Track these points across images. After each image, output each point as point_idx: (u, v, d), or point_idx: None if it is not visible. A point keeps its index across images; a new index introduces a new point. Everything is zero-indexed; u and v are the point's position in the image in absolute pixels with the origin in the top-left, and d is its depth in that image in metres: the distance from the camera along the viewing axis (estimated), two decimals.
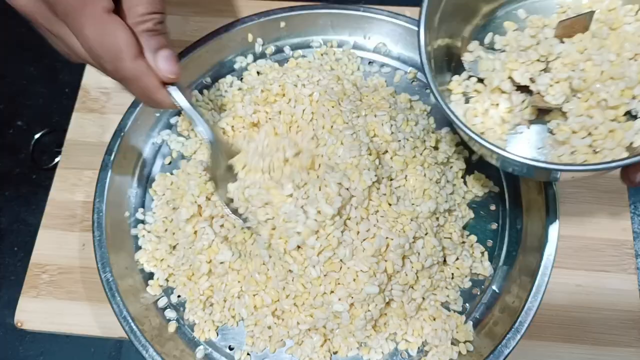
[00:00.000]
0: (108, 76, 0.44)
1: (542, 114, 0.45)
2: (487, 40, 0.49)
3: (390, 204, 0.49)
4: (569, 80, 0.43)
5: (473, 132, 0.40)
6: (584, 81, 0.42)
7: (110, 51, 0.41)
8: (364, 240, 0.47)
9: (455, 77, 0.48)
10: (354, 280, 0.47)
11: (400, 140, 0.52)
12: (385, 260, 0.47)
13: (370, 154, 0.49)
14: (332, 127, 0.51)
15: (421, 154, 0.52)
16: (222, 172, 0.51)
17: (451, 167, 0.55)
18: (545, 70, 0.44)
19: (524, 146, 0.45)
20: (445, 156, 0.54)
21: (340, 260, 0.47)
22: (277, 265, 0.49)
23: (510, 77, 0.45)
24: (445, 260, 0.51)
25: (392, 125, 0.52)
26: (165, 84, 0.44)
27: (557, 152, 0.43)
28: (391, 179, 0.51)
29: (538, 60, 0.44)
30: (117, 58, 0.41)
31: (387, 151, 0.51)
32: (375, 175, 0.48)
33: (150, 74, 0.43)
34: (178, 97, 0.45)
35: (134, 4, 0.42)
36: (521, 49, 0.45)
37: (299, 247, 0.47)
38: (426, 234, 0.49)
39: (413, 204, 0.50)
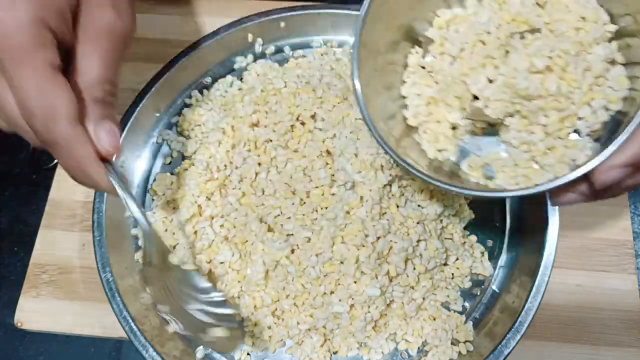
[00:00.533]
0: (33, 142, 0.39)
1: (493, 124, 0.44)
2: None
3: (398, 206, 0.49)
4: (510, 100, 0.40)
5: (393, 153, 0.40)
6: (525, 102, 0.40)
7: (47, 109, 0.36)
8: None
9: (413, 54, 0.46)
10: (355, 282, 0.47)
11: None
12: (388, 263, 0.47)
13: (385, 154, 0.49)
14: (342, 119, 0.51)
15: None
16: (155, 264, 0.46)
17: None
18: (491, 81, 0.41)
19: (473, 157, 0.44)
20: None
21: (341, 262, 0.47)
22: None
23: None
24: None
25: None
26: (102, 159, 0.39)
27: (504, 165, 0.42)
28: (401, 179, 0.51)
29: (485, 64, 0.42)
30: (52, 118, 0.36)
31: None
32: (390, 175, 0.48)
33: (86, 143, 0.38)
34: (114, 177, 0.41)
35: (87, 68, 0.38)
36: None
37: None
38: (430, 236, 0.49)
39: (419, 206, 0.50)
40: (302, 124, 0.53)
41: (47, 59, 0.36)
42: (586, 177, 0.36)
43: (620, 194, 0.39)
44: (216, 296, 0.46)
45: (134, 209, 0.43)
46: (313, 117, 0.53)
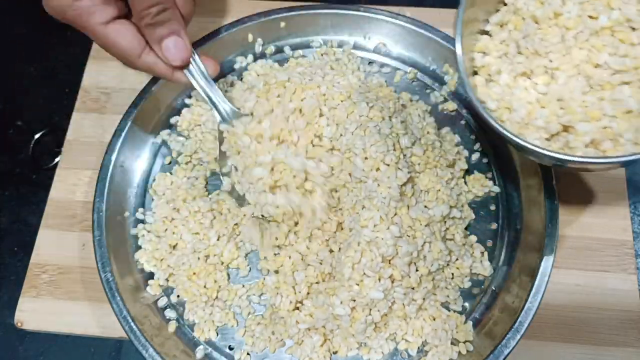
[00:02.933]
0: None
1: None
2: None
3: (409, 207, 0.49)
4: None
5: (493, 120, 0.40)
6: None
7: (118, 55, 0.47)
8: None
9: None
10: (358, 284, 0.47)
11: (414, 141, 0.52)
12: (392, 266, 0.47)
13: (394, 150, 0.49)
14: (347, 116, 0.52)
15: (432, 152, 0.53)
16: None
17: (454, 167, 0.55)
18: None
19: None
20: (452, 157, 0.54)
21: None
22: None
23: None
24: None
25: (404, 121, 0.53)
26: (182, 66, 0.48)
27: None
28: (413, 179, 0.51)
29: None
30: (125, 60, 0.48)
31: (405, 148, 0.51)
32: (409, 173, 0.48)
33: (159, 63, 0.48)
34: (191, 79, 0.50)
35: (134, 2, 0.45)
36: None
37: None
38: (435, 239, 0.49)
39: (426, 207, 0.50)
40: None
41: (107, 14, 0.45)
42: None
43: None
44: None
45: (214, 99, 0.52)
46: (321, 114, 0.53)
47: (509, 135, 0.40)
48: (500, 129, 0.41)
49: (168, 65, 0.48)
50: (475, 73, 0.46)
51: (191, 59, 0.49)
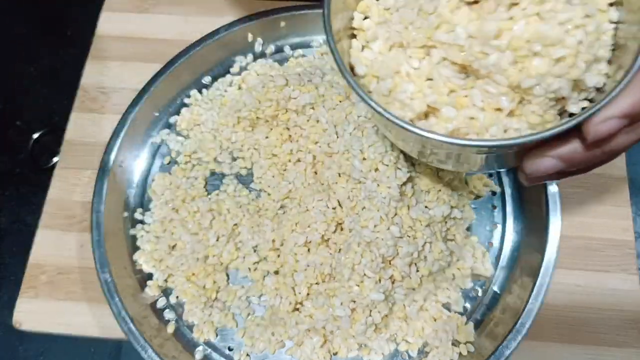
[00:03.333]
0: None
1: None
2: None
3: (409, 207, 0.49)
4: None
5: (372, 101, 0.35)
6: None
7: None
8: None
9: None
10: (358, 285, 0.47)
11: None
12: (393, 267, 0.47)
13: (393, 150, 0.49)
14: (345, 117, 0.51)
15: None
16: None
17: None
18: None
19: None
20: None
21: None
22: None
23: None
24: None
25: None
26: None
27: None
28: (413, 179, 0.51)
29: None
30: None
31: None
32: (408, 172, 0.48)
33: None
34: None
35: None
36: None
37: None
38: (436, 239, 0.49)
39: (426, 207, 0.50)
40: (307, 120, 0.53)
41: None
42: (577, 133, 0.32)
43: (612, 157, 0.33)
44: None
45: None
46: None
47: (372, 104, 0.35)
48: (362, 94, 0.35)
49: None
50: (354, 36, 0.41)
51: None
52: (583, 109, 0.34)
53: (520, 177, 0.37)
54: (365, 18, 0.41)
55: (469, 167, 0.42)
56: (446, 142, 0.33)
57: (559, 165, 0.33)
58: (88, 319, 0.52)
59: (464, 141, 0.33)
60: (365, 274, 0.47)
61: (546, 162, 0.33)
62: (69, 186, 0.58)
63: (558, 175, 0.34)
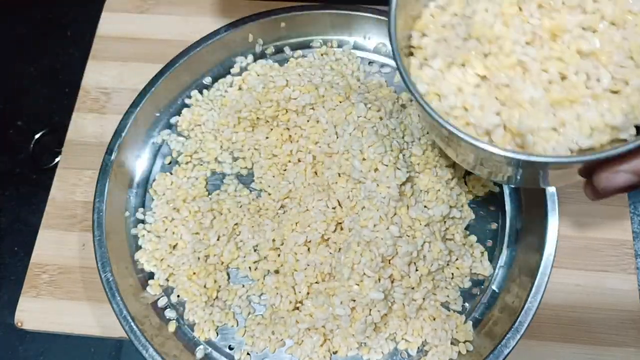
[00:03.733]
0: None
1: None
2: None
3: (408, 207, 0.49)
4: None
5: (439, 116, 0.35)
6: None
7: None
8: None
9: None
10: (357, 284, 0.47)
11: (413, 140, 0.52)
12: (392, 266, 0.47)
13: (392, 150, 0.49)
14: (345, 118, 0.52)
15: (432, 152, 0.53)
16: None
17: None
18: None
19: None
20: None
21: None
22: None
23: None
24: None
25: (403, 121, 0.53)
26: None
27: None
28: (412, 179, 0.51)
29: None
30: None
31: (403, 148, 0.51)
32: (407, 172, 0.48)
33: None
34: None
35: None
36: None
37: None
38: (435, 239, 0.49)
39: (426, 207, 0.50)
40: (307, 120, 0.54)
41: None
42: None
43: None
44: None
45: None
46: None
47: (450, 127, 0.35)
48: (439, 119, 0.35)
49: None
50: (411, 54, 0.42)
51: None
52: None
53: (587, 192, 0.36)
54: (423, 36, 0.42)
55: (533, 184, 0.43)
56: (541, 161, 0.34)
57: (633, 179, 0.33)
58: (89, 318, 0.52)
59: (555, 159, 0.34)
60: (364, 273, 0.47)
61: (620, 177, 0.33)
62: (70, 186, 0.58)
63: (630, 188, 0.34)
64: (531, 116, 0.36)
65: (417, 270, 0.48)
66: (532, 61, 0.37)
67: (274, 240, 0.51)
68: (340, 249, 0.50)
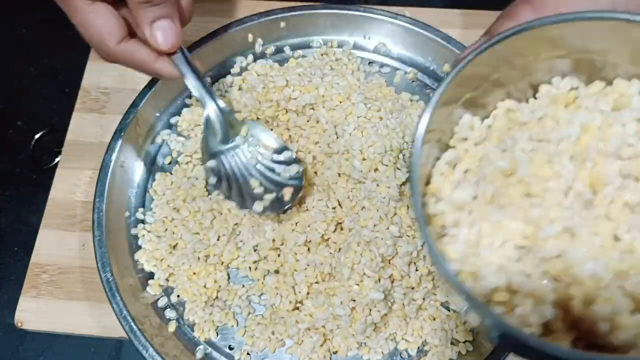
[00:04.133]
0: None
1: None
2: None
3: (408, 207, 0.49)
4: None
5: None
6: None
7: (94, 39, 0.44)
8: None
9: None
10: (357, 284, 0.47)
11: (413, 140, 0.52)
12: (392, 266, 0.47)
13: (392, 150, 0.49)
14: (345, 118, 0.52)
15: None
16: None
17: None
18: None
19: None
20: None
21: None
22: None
23: None
24: None
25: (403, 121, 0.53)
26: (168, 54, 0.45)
27: None
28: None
29: None
30: (101, 44, 0.44)
31: (403, 148, 0.51)
32: (407, 172, 0.48)
33: (139, 51, 0.45)
34: (180, 65, 0.46)
35: None
36: None
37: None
38: None
39: None
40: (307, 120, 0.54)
41: None
42: None
43: None
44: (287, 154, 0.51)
45: (196, 92, 0.48)
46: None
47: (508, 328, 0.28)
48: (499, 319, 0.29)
49: (152, 51, 0.45)
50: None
51: (178, 50, 0.46)
52: None
53: None
54: (438, 200, 0.35)
55: None
56: None
57: None
58: (89, 318, 0.52)
59: None
60: (364, 273, 0.47)
61: None
62: (70, 186, 0.58)
63: None
64: (601, 297, 0.29)
65: (417, 270, 0.48)
66: (580, 225, 0.31)
67: (274, 240, 0.51)
68: (340, 249, 0.50)
